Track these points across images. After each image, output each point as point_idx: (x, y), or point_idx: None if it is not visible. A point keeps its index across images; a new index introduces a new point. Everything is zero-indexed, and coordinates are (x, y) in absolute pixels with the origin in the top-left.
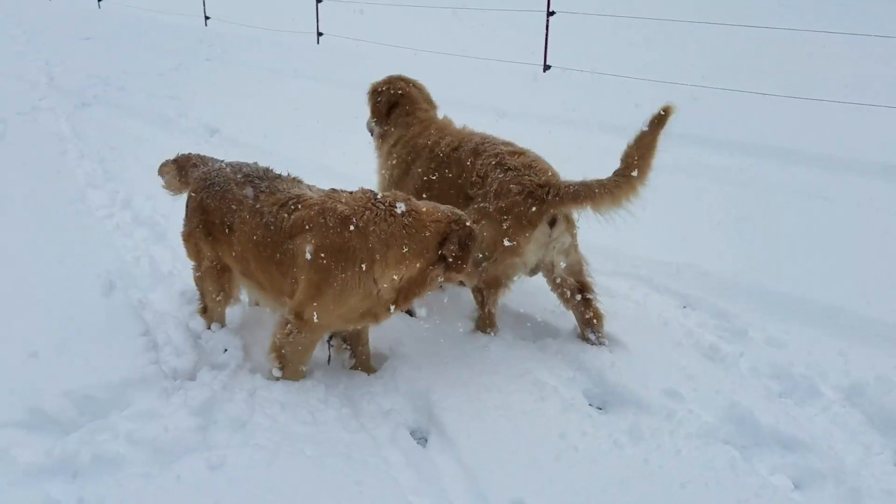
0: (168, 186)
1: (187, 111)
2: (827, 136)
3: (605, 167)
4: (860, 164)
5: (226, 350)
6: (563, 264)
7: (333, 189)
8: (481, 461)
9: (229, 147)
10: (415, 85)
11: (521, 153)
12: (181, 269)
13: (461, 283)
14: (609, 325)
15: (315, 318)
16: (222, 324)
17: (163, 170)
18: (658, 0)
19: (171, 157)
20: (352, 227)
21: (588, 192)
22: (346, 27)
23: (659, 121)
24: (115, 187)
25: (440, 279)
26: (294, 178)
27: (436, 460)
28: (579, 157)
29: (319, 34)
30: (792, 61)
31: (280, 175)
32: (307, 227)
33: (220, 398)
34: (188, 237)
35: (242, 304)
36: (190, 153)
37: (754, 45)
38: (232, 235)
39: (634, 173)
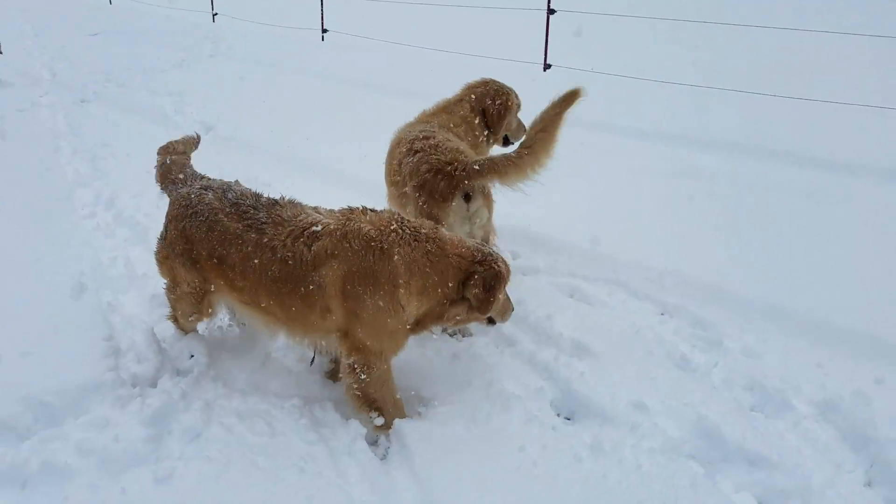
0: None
1: (185, 108)
2: (827, 138)
3: (604, 167)
4: (856, 166)
5: (192, 356)
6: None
7: (349, 208)
8: (438, 475)
9: (224, 145)
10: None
11: (429, 137)
12: (155, 271)
13: (490, 322)
14: (581, 334)
15: (371, 345)
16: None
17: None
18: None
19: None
20: (377, 249)
21: (493, 166)
22: (350, 23)
23: (566, 100)
24: (102, 186)
25: (459, 318)
26: (292, 201)
27: (393, 474)
28: (577, 158)
29: (324, 31)
30: (806, 62)
31: (276, 201)
32: (333, 256)
33: (176, 407)
34: (164, 259)
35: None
36: (172, 149)
37: (764, 46)
38: (228, 269)
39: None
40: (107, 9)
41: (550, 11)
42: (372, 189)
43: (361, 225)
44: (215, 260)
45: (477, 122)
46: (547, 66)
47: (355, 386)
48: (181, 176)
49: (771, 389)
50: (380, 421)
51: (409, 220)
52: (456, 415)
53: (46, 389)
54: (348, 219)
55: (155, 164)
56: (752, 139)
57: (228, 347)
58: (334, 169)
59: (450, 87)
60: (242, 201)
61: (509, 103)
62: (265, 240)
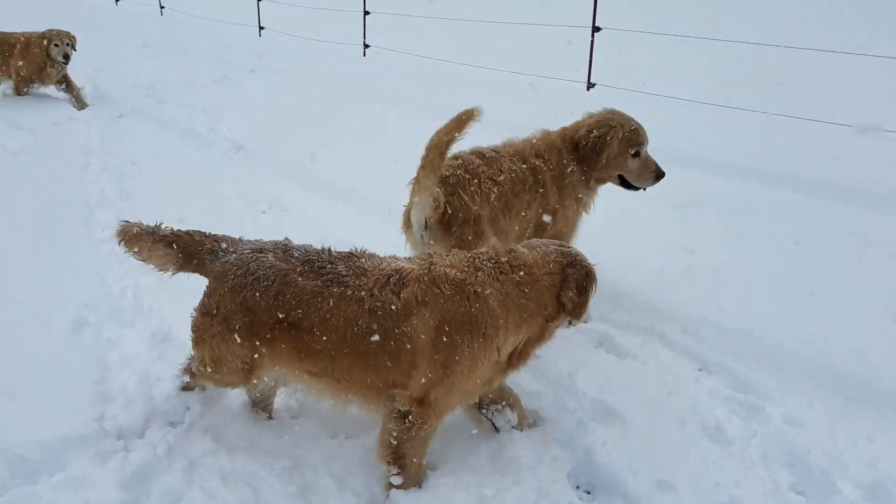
0: (154, 262)
1: (218, 125)
2: (888, 174)
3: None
4: None
5: (188, 408)
6: None
7: (428, 253)
8: None
9: (253, 163)
10: None
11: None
12: (162, 303)
13: (569, 323)
14: (606, 393)
15: (442, 401)
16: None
17: (138, 240)
18: (711, 20)
19: (149, 225)
20: (471, 294)
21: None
22: (392, 39)
23: (459, 122)
24: (124, 207)
25: (558, 328)
26: (366, 252)
27: None
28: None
29: (366, 46)
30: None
31: (351, 252)
32: (424, 303)
33: (159, 465)
34: (209, 338)
35: None
36: (193, 232)
37: (819, 69)
38: (302, 333)
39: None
40: (158, 20)
41: (596, 29)
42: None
43: (446, 269)
44: (285, 326)
45: (565, 153)
46: (591, 86)
47: (395, 435)
48: (219, 245)
49: (814, 466)
50: (397, 480)
51: (485, 253)
52: (460, 488)
53: (27, 442)
54: (432, 263)
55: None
56: (803, 169)
57: (225, 394)
58: (359, 193)
59: (488, 107)
60: (315, 258)
61: (608, 138)
62: (349, 292)
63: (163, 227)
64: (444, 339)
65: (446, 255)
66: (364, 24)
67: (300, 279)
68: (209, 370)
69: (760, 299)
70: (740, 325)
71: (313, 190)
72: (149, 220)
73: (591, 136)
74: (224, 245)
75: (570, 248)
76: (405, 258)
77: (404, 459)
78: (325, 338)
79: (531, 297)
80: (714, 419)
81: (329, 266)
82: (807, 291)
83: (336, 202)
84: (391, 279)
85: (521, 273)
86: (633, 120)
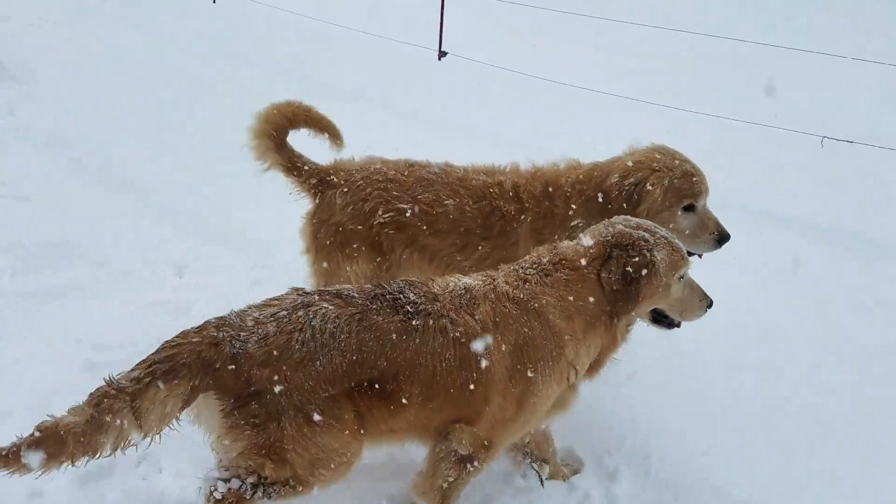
0: (155, 423)
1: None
2: None
3: None
4: None
5: None
6: None
7: (486, 272)
8: None
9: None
10: None
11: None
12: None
13: (667, 324)
14: None
15: (509, 439)
16: None
17: (115, 416)
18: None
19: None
20: (530, 310)
21: None
22: None
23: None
24: None
25: (629, 325)
26: (429, 278)
27: None
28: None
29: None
30: None
31: (408, 281)
32: (496, 325)
33: None
34: (292, 443)
35: None
36: (174, 341)
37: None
38: (387, 383)
39: None
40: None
41: None
42: None
43: (506, 288)
44: (365, 386)
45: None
46: (442, 55)
47: (451, 480)
48: (218, 335)
49: None
50: None
51: (527, 260)
52: None
53: None
54: (492, 277)
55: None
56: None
57: None
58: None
59: (332, 68)
60: (379, 291)
61: (649, 185)
62: (431, 322)
63: (118, 376)
64: (520, 369)
65: (500, 271)
66: None
67: (380, 319)
68: (302, 485)
69: None
70: None
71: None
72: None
73: (626, 182)
74: (223, 333)
75: (633, 223)
76: (463, 276)
77: (449, 501)
78: (413, 387)
79: (584, 294)
80: None
81: (402, 297)
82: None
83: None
84: (462, 299)
85: (567, 270)
86: (687, 161)
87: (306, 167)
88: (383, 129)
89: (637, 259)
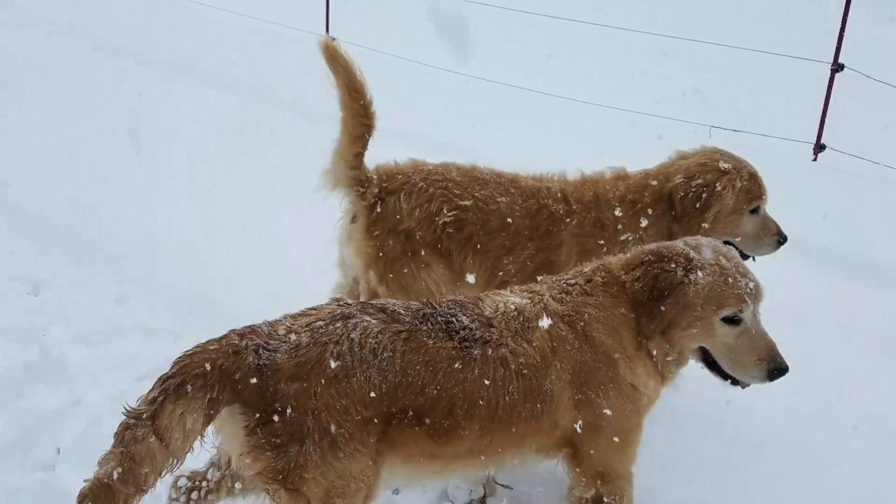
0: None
1: None
2: None
3: None
4: None
5: None
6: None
7: (528, 286)
8: None
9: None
10: None
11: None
12: None
13: (730, 380)
14: None
15: (615, 464)
16: None
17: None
18: None
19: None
20: (578, 328)
21: None
22: None
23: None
24: None
25: (671, 359)
26: (477, 297)
27: None
28: None
29: None
30: None
31: (455, 300)
32: (554, 350)
33: None
34: (315, 469)
35: None
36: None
37: None
38: (435, 411)
39: None
40: None
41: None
42: None
43: (555, 306)
44: (409, 414)
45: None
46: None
47: None
48: (241, 344)
49: None
50: None
51: (572, 273)
52: None
53: None
54: (539, 295)
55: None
56: None
57: None
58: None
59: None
60: (429, 310)
61: (719, 187)
62: (490, 351)
63: (137, 401)
64: (578, 395)
65: (545, 285)
66: None
67: (431, 342)
68: None
69: None
70: None
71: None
72: None
73: (694, 184)
74: (247, 342)
75: (687, 239)
76: (508, 292)
77: None
78: (471, 421)
79: (622, 306)
80: None
81: (455, 321)
82: None
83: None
84: (516, 322)
85: (606, 280)
86: (747, 162)
87: (368, 175)
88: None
89: (668, 274)
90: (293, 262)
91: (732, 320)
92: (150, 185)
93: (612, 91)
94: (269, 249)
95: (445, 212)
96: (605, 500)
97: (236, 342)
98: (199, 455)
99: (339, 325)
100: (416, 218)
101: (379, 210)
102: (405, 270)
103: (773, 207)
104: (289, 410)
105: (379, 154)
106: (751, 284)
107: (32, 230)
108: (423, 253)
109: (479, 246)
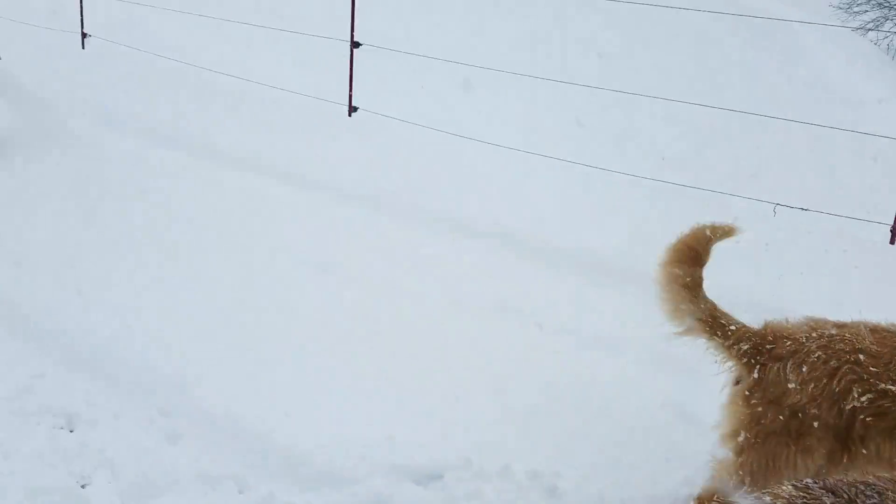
0: None
1: None
2: None
3: None
4: None
5: None
6: None
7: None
8: None
9: None
10: None
11: None
12: None
13: None
14: None
15: None
16: None
17: None
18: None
19: None
20: None
21: None
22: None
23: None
24: None
25: None
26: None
27: None
28: None
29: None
30: None
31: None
32: None
33: None
34: None
35: None
36: None
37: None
38: None
39: None
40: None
41: (355, 45)
42: None
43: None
44: None
45: None
46: (353, 110)
47: None
48: None
49: None
50: None
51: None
52: None
53: None
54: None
55: None
56: None
57: None
58: None
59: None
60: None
61: None
62: None
63: None
64: None
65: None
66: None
67: None
68: None
69: None
70: None
71: None
72: None
73: None
74: None
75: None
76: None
77: None
78: None
79: None
80: None
81: None
82: None
83: None
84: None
85: None
86: None
87: (732, 327)
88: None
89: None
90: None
91: None
92: (187, 296)
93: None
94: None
95: (856, 394)
96: None
97: None
98: None
99: None
100: (808, 394)
101: (757, 375)
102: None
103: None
104: None
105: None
106: None
107: (56, 349)
108: (813, 435)
109: None
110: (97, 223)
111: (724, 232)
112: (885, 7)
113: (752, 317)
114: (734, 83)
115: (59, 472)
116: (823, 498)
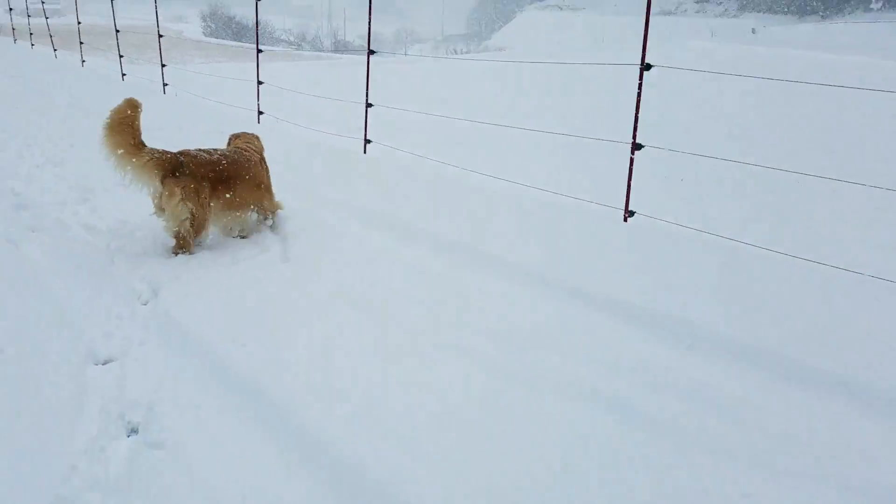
0: None
1: None
2: None
3: None
4: None
5: None
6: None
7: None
8: None
9: None
10: None
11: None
12: None
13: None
14: None
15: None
16: None
17: None
18: None
19: None
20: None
21: None
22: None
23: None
24: None
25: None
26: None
27: None
28: None
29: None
30: None
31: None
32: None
33: None
34: None
35: None
36: None
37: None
38: None
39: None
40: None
41: (636, 146)
42: None
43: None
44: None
45: None
46: (629, 214)
47: None
48: None
49: None
50: None
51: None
52: None
53: None
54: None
55: None
56: None
57: None
58: None
59: None
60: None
61: None
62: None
63: None
64: None
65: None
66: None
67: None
68: None
69: None
70: None
71: None
72: None
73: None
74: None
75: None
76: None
77: None
78: None
79: None
80: None
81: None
82: None
83: None
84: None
85: None
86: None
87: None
88: None
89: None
90: None
91: None
92: None
93: None
94: None
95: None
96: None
97: None
98: None
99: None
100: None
101: None
102: None
103: None
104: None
105: None
106: None
107: None
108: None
109: None
110: None
111: (136, 104)
112: None
113: None
114: None
115: None
116: None
